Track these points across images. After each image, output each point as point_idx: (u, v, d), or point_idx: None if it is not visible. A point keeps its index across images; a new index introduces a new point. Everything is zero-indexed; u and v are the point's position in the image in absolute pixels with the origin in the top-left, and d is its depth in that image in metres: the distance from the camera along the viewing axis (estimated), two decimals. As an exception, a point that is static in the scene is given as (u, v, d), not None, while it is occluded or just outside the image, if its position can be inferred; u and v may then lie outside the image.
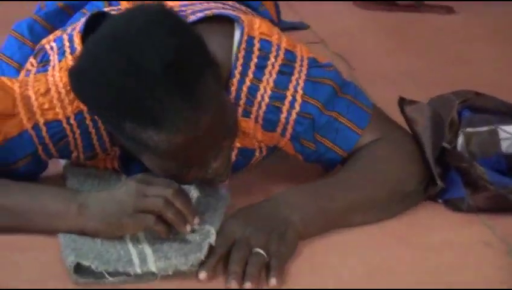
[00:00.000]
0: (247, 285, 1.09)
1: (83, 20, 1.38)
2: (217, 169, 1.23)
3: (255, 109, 1.36)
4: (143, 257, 1.15)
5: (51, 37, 1.41)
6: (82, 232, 1.18)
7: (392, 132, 1.42)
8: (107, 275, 1.10)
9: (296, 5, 2.70)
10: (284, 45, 1.36)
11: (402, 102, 1.43)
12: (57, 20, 1.61)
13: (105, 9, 1.48)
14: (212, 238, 1.15)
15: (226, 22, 1.37)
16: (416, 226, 1.30)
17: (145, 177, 1.19)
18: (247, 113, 1.36)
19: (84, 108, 1.29)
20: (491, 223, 1.30)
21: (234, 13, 1.40)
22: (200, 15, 1.34)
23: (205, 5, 1.48)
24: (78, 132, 1.33)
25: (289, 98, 1.34)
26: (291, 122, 1.35)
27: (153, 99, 1.10)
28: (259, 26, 1.36)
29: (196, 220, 1.16)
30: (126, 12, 1.31)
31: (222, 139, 1.21)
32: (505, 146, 1.36)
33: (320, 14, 2.68)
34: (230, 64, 1.34)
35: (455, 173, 1.34)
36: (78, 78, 1.16)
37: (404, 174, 1.37)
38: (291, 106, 1.34)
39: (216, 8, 1.44)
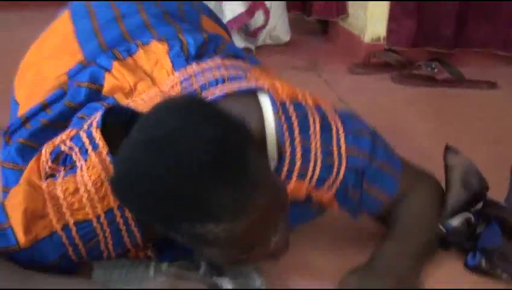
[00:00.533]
0: None
1: (98, 114, 1.36)
2: (277, 242, 1.22)
3: (310, 170, 1.35)
4: None
5: (64, 137, 1.38)
6: None
7: (421, 180, 1.47)
8: None
9: (331, 81, 2.68)
10: (310, 102, 1.38)
11: (447, 149, 1.47)
12: (45, 137, 1.52)
13: (107, 107, 1.46)
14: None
15: (247, 93, 1.38)
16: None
17: (177, 272, 1.24)
18: (302, 176, 1.36)
19: (115, 205, 1.28)
20: None
21: (249, 83, 1.41)
22: (219, 93, 1.34)
23: (215, 72, 1.46)
24: (108, 230, 1.30)
25: (335, 153, 1.36)
26: (340, 176, 1.37)
27: (208, 194, 1.08)
28: (282, 90, 1.37)
29: None
30: (154, 109, 1.25)
31: (279, 213, 1.20)
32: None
33: (357, 90, 2.67)
34: (264, 133, 1.34)
35: (496, 223, 1.37)
36: (121, 187, 1.15)
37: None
38: (339, 161, 1.36)
39: (229, 76, 1.44)
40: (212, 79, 1.44)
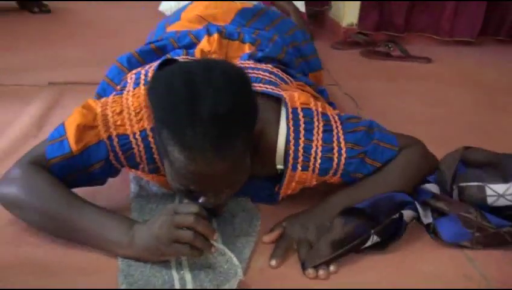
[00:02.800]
0: (322, 273, 1.27)
1: (158, 61, 1.47)
2: (214, 204, 1.27)
3: (311, 163, 1.41)
4: (183, 283, 1.19)
5: (134, 71, 1.49)
6: (134, 259, 1.25)
7: (408, 143, 1.51)
8: None
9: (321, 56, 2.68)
10: (320, 109, 1.44)
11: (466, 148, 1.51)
12: (148, 57, 1.68)
13: (182, 57, 1.57)
14: (240, 273, 1.20)
15: (273, 98, 1.43)
16: (411, 256, 1.35)
17: (173, 207, 1.22)
18: (305, 167, 1.41)
19: (148, 127, 1.35)
20: (473, 256, 1.35)
21: (277, 90, 1.46)
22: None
23: (259, 73, 1.53)
24: (142, 145, 1.37)
25: (336, 149, 1.40)
26: (341, 165, 1.42)
27: (192, 130, 1.14)
28: (298, 98, 1.42)
29: (215, 236, 1.20)
30: (206, 59, 1.47)
31: (225, 187, 1.26)
32: (490, 201, 1.41)
33: (336, 60, 2.94)
34: (277, 132, 1.40)
35: (454, 217, 1.39)
36: (151, 90, 1.23)
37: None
38: (340, 154, 1.41)
39: (265, 80, 1.50)
40: (254, 76, 1.48)
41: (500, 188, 1.41)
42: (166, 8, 3.42)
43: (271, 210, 1.51)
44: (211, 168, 1.16)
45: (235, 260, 1.22)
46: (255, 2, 2.34)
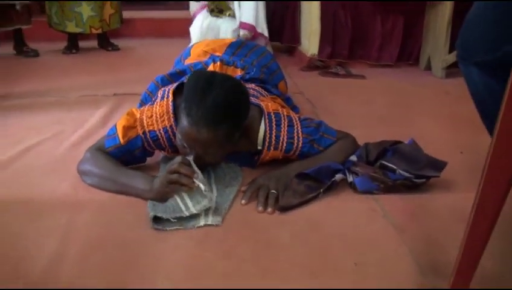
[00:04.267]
0: (268, 210, 1.26)
1: (176, 84, 1.44)
2: (200, 161, 1.26)
3: (279, 145, 1.40)
4: (186, 206, 1.20)
5: (162, 89, 1.46)
6: (154, 199, 1.25)
7: (343, 136, 1.49)
8: (172, 219, 1.18)
9: (292, 75, 2.91)
10: (285, 113, 1.43)
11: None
12: (175, 78, 1.63)
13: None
14: (212, 203, 1.21)
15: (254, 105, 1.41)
16: (337, 200, 1.35)
17: (171, 163, 1.22)
18: (276, 148, 1.41)
19: (168, 125, 1.36)
20: (378, 198, 1.36)
21: (257, 101, 1.43)
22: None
23: (248, 89, 1.42)
24: (164, 137, 1.39)
25: (296, 137, 1.41)
26: (299, 147, 1.41)
27: (197, 109, 1.17)
28: (271, 106, 1.42)
29: (195, 176, 1.19)
30: (221, 72, 1.42)
31: (207, 151, 1.26)
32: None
33: (303, 79, 2.88)
34: (259, 126, 1.39)
35: (365, 176, 1.37)
36: (188, 78, 1.25)
37: (345, 155, 1.44)
38: (298, 141, 1.41)
39: (251, 94, 1.45)
40: None
41: (404, 173, 1.39)
42: (192, 9, 3.46)
43: (250, 171, 1.51)
44: (198, 135, 1.19)
45: (207, 191, 1.21)
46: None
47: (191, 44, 2.24)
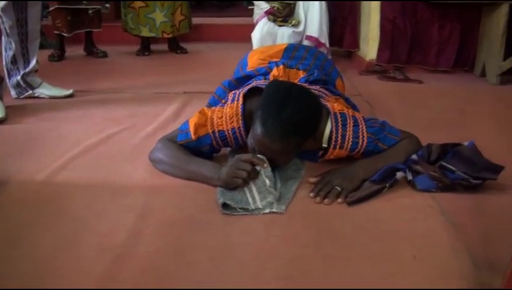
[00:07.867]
0: (326, 201, 1.26)
1: (247, 87, 1.46)
2: (278, 164, 1.31)
3: (345, 144, 1.39)
4: (254, 199, 1.22)
5: (233, 91, 1.48)
6: (222, 186, 1.27)
7: (407, 136, 1.46)
8: (238, 209, 1.19)
9: (351, 78, 2.90)
10: (350, 113, 1.41)
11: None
12: (241, 82, 1.64)
13: (262, 81, 1.52)
14: (277, 196, 1.22)
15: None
16: (397, 195, 1.34)
17: (238, 157, 1.26)
18: (342, 147, 1.39)
19: (236, 126, 1.38)
20: (435, 196, 1.33)
21: (324, 101, 1.43)
22: None
23: (314, 91, 1.46)
24: (232, 137, 1.41)
25: (361, 137, 1.39)
26: (363, 146, 1.40)
27: (272, 120, 1.19)
28: (336, 106, 1.41)
29: (265, 165, 1.23)
30: (300, 85, 1.41)
31: (273, 157, 1.27)
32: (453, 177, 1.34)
33: (362, 82, 2.85)
34: (325, 125, 1.38)
35: (425, 175, 1.36)
36: (267, 87, 1.27)
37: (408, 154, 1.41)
38: (363, 140, 1.39)
39: (318, 96, 1.43)
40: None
41: (462, 174, 1.38)
42: (255, 16, 3.44)
43: (312, 165, 1.51)
44: (271, 145, 1.21)
45: (271, 187, 1.22)
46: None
47: (252, 50, 2.18)
